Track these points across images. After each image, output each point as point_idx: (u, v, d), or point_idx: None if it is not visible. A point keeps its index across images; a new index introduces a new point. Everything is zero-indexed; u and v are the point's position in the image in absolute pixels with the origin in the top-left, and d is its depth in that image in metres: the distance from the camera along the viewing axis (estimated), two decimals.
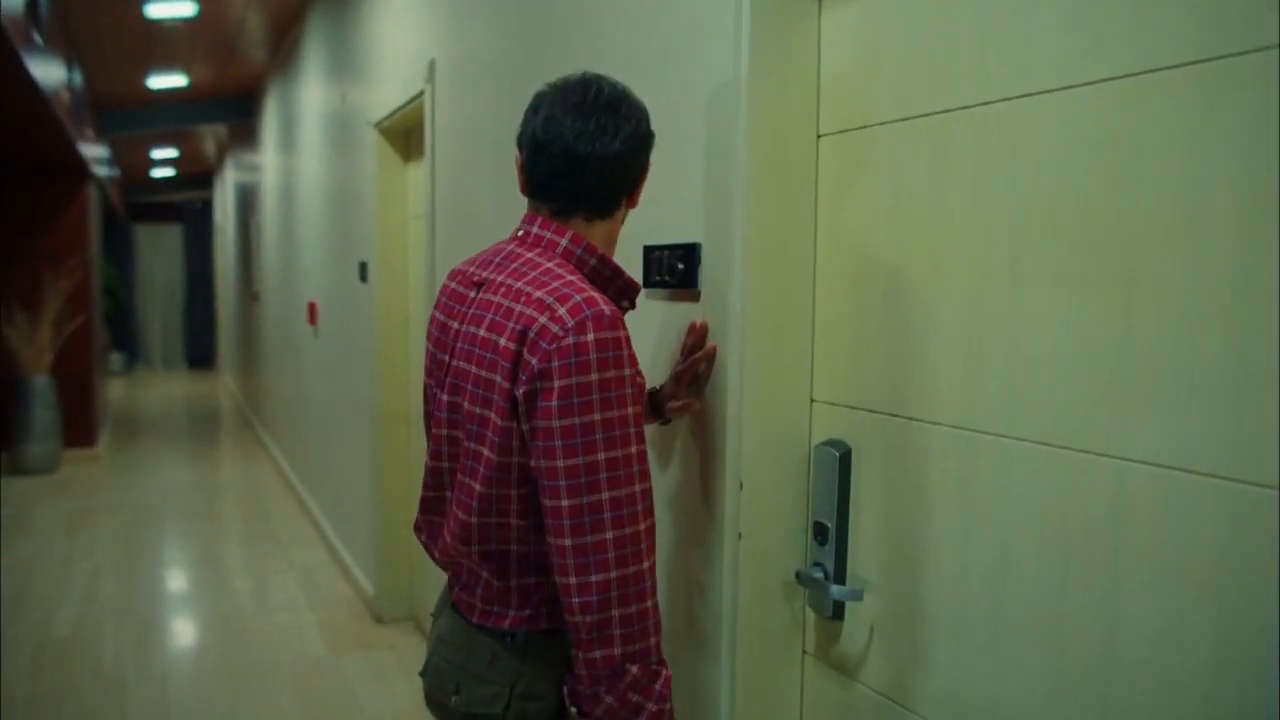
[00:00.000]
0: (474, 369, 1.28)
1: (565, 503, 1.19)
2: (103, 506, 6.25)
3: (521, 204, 2.43)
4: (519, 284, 1.27)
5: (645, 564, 1.21)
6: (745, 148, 1.45)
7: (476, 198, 2.75)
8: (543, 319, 1.20)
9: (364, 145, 4.12)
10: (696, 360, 1.53)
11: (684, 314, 1.61)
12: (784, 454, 1.51)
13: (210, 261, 14.57)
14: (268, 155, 7.53)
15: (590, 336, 1.18)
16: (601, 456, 1.18)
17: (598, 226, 1.35)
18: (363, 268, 4.16)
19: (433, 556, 1.43)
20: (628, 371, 1.21)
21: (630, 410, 1.21)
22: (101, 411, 8.59)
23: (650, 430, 1.68)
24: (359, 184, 4.26)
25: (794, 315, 1.51)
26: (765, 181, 1.46)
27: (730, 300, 1.48)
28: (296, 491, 6.31)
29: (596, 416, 1.18)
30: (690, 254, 1.58)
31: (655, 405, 1.59)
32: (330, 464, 5.22)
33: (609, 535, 1.18)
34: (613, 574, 1.18)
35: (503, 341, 1.23)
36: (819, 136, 1.50)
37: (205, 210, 14.79)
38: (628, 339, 1.22)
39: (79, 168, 7.42)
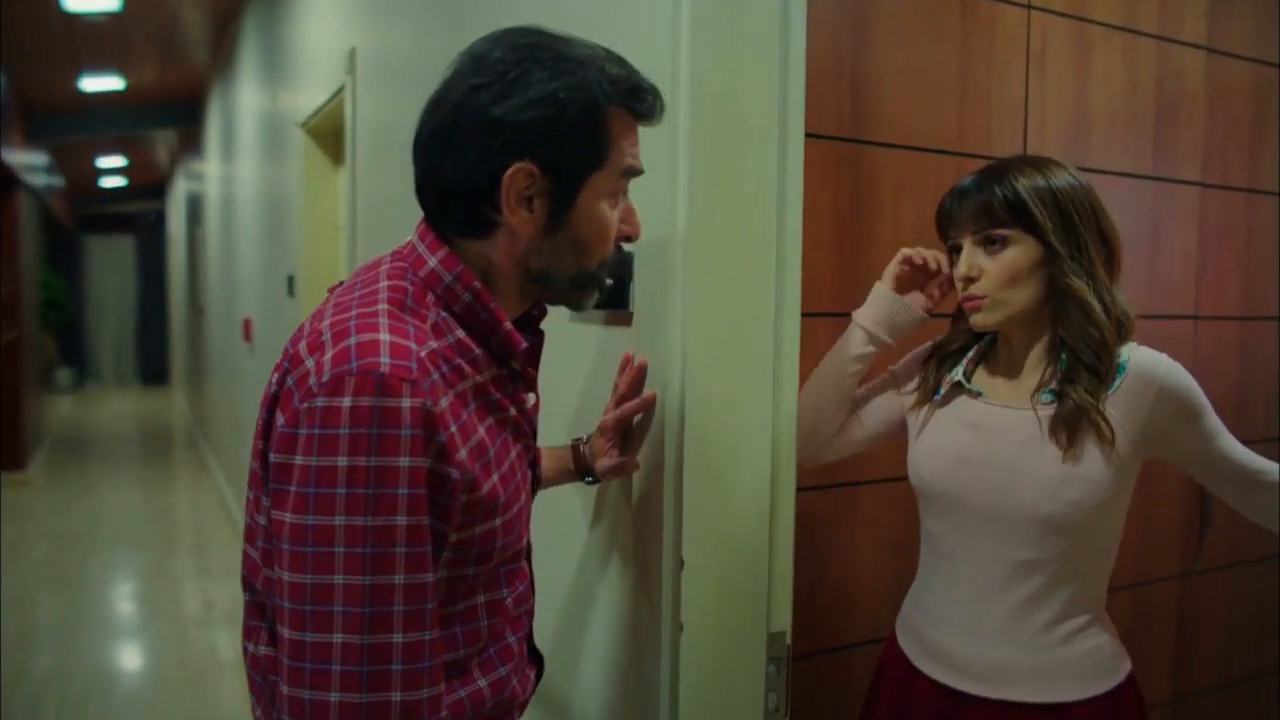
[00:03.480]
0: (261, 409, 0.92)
1: (286, 633, 0.81)
2: (25, 536, 5.81)
3: None
4: (330, 304, 0.92)
5: None
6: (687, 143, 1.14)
7: (398, 203, 2.42)
8: (309, 362, 0.84)
9: (292, 148, 3.77)
10: (629, 410, 1.21)
11: (620, 343, 1.30)
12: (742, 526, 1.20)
13: (164, 274, 14.07)
14: (211, 163, 7.15)
15: (346, 402, 0.80)
16: (340, 580, 0.79)
17: (485, 248, 0.95)
18: (290, 281, 3.81)
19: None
20: (406, 462, 0.80)
21: (404, 521, 0.80)
22: (35, 432, 8.12)
23: (573, 492, 1.36)
24: (288, 190, 3.91)
25: (754, 346, 1.19)
26: (712, 178, 1.16)
27: (669, 325, 1.17)
28: (235, 521, 5.92)
29: (339, 520, 0.79)
30: (620, 263, 1.25)
31: (582, 462, 1.27)
32: None
33: (333, 697, 0.79)
34: None
35: (271, 384, 0.89)
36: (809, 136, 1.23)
37: (159, 221, 14.27)
38: (426, 415, 0.81)
39: (5, 175, 6.99)
